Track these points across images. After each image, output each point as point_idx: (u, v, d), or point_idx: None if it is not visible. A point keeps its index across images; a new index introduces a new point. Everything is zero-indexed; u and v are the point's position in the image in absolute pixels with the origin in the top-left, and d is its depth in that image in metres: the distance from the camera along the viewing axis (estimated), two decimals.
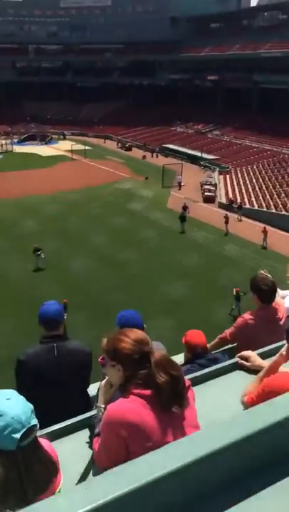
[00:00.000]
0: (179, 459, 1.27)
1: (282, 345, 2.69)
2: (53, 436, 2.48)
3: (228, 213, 35.62)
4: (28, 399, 1.70)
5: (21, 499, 1.54)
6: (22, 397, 1.67)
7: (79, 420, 2.73)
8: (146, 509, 1.22)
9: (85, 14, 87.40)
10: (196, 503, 1.30)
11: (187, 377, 2.36)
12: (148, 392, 2.04)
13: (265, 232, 31.02)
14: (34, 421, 1.62)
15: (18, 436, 1.55)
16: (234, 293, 21.09)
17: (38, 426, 1.65)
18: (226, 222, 33.45)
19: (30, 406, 1.65)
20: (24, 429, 1.57)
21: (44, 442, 1.78)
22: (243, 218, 36.82)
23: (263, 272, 4.14)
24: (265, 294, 3.96)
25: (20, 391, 1.71)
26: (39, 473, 1.63)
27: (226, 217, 33.88)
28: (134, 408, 2.01)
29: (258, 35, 68.14)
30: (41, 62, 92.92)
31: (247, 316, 4.06)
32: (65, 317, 3.61)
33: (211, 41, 74.24)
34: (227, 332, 4.20)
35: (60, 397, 3.25)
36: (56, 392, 3.27)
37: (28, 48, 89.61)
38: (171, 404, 2.02)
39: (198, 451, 1.31)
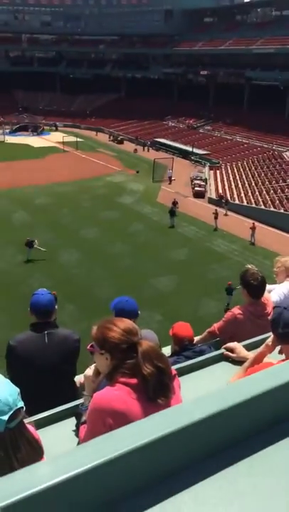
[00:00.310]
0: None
1: (267, 338, 2.73)
2: (40, 424, 2.50)
3: (218, 209, 35.71)
4: (17, 384, 1.72)
5: None
6: (8, 380, 1.70)
7: (66, 408, 2.75)
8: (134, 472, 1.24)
9: (79, 4, 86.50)
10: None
11: (173, 367, 2.38)
12: (134, 381, 2.05)
13: (253, 228, 31.12)
14: (21, 403, 1.65)
15: (5, 418, 1.58)
16: (227, 286, 21.11)
17: (24, 408, 1.68)
18: (216, 218, 33.48)
19: (17, 389, 1.68)
20: (12, 411, 1.60)
21: (28, 427, 1.80)
22: (232, 214, 36.89)
23: (251, 266, 4.17)
24: (255, 288, 3.98)
25: (10, 376, 1.74)
26: (27, 454, 1.66)
27: (216, 213, 33.92)
28: (120, 396, 2.02)
29: (250, 31, 68.00)
30: (34, 52, 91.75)
31: (236, 310, 4.07)
32: (56, 307, 3.63)
33: (205, 36, 73.95)
34: (216, 326, 4.20)
35: (48, 383, 3.27)
36: (44, 379, 3.29)
37: (21, 37, 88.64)
38: (156, 395, 2.03)
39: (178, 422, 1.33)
